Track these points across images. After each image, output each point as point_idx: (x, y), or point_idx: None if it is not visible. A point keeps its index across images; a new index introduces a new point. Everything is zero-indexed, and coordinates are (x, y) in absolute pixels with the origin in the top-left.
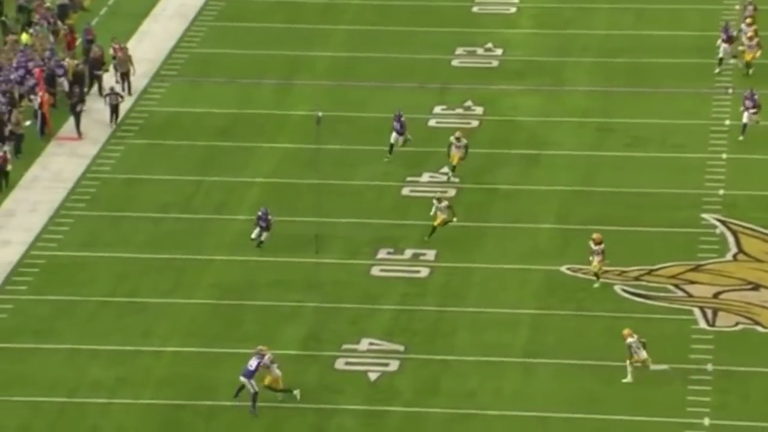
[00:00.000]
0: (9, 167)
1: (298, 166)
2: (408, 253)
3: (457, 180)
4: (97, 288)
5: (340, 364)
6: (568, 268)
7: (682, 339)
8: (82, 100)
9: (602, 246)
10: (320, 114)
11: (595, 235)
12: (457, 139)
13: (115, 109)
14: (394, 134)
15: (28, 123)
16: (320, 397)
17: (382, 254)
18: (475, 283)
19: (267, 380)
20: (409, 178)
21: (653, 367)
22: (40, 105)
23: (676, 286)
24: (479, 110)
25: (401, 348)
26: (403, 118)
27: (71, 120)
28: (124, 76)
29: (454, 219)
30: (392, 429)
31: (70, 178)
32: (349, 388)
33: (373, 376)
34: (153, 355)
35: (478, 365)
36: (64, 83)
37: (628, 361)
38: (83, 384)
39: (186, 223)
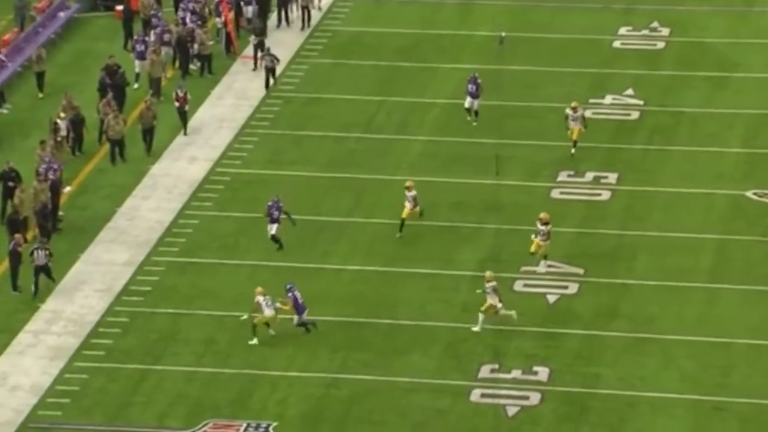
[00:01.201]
0: (187, 107)
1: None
2: (589, 175)
3: (643, 102)
4: None
5: (518, 286)
6: (755, 193)
7: None
8: (263, 32)
9: (549, 227)
10: (504, 34)
11: (542, 215)
12: (574, 109)
13: (271, 72)
14: (468, 98)
15: (211, 43)
16: (498, 319)
17: (562, 177)
18: (657, 206)
19: (259, 318)
20: (592, 100)
21: (503, 312)
22: (224, 24)
23: None
24: (665, 32)
25: (581, 271)
26: (479, 80)
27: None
28: (305, 9)
29: (420, 215)
30: (570, 352)
31: (254, 96)
32: (528, 310)
33: (551, 299)
34: (333, 274)
35: (659, 290)
36: (248, 10)
37: (482, 309)
38: None
39: (367, 143)
